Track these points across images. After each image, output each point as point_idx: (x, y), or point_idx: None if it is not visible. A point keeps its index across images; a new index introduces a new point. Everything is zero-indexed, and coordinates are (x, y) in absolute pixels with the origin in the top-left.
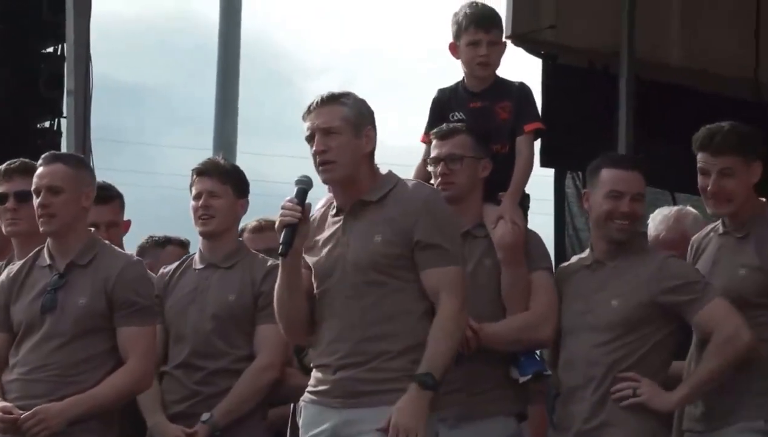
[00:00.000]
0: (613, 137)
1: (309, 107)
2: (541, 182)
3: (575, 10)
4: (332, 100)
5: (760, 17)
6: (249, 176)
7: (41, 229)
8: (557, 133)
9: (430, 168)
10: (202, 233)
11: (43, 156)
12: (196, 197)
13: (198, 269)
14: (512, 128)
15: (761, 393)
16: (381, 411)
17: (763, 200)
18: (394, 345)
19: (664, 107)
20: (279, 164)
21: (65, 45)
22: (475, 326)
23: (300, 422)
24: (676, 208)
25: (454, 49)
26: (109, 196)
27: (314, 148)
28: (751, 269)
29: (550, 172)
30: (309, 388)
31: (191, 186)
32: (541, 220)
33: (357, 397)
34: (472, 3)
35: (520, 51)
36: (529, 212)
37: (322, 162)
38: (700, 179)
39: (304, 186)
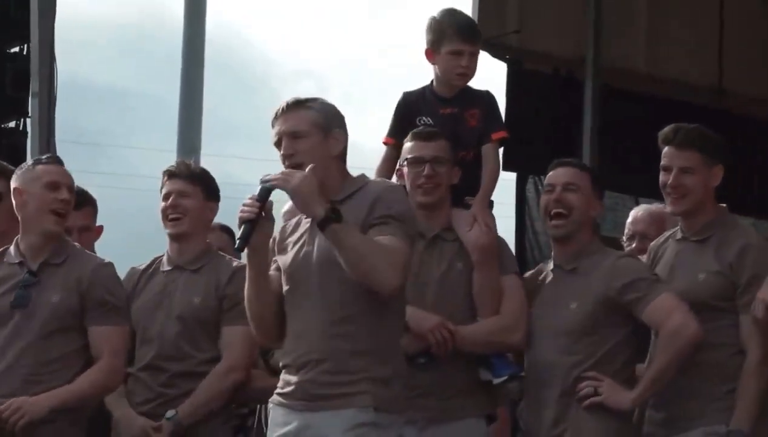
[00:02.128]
0: (577, 142)
1: (276, 113)
2: (502, 186)
3: (540, 15)
4: (298, 104)
5: (723, 25)
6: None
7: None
8: (520, 137)
9: (405, 168)
10: (171, 235)
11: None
12: (166, 198)
13: (165, 272)
14: (480, 135)
15: (722, 398)
16: (338, 415)
17: (723, 205)
18: (354, 344)
19: (628, 114)
20: (253, 168)
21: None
22: (451, 328)
23: (268, 424)
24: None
25: (431, 55)
26: (83, 201)
27: (282, 152)
28: (710, 273)
29: (512, 176)
30: (277, 389)
31: (161, 188)
32: (502, 223)
33: (316, 400)
34: (452, 11)
35: (485, 55)
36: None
37: (291, 166)
38: (662, 176)
39: (267, 185)
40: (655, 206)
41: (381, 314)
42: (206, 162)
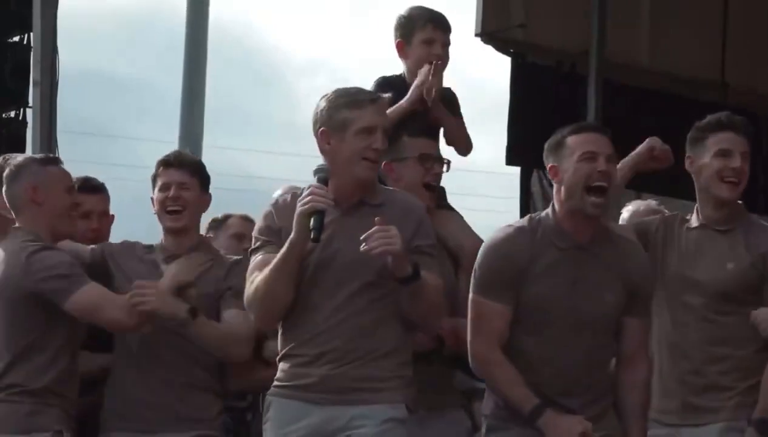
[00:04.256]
0: None
1: (370, 98)
2: (507, 181)
3: (545, 9)
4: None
5: (727, 19)
6: (218, 170)
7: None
8: (524, 131)
9: (403, 163)
10: (171, 229)
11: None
12: (164, 188)
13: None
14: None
15: (744, 393)
16: (372, 409)
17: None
18: (383, 345)
19: (631, 108)
20: (265, 160)
21: (32, 34)
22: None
23: (268, 417)
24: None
25: (402, 48)
26: (98, 185)
27: (376, 145)
28: (739, 264)
29: (516, 170)
30: (281, 382)
31: (155, 178)
32: (508, 218)
33: (347, 394)
34: (422, 6)
35: (489, 49)
36: (496, 211)
37: (374, 160)
38: (719, 161)
39: (325, 175)
40: (654, 202)
41: (402, 319)
42: (208, 153)
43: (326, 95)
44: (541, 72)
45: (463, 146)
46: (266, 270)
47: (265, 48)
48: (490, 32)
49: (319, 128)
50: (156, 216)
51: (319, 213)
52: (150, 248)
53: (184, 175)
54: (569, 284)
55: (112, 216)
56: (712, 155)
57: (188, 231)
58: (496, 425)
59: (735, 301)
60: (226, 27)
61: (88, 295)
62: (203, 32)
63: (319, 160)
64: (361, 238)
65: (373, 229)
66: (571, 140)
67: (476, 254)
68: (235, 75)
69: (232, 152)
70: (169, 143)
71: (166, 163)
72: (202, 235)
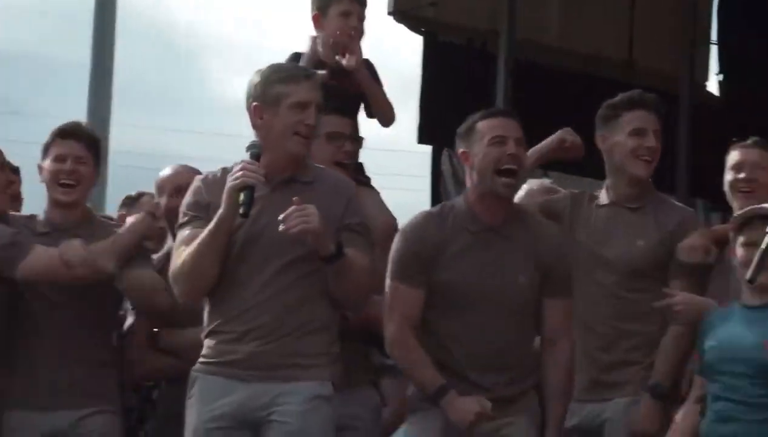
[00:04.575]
0: None
1: (306, 75)
2: (418, 159)
3: None
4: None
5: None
6: (127, 148)
7: None
8: (436, 110)
9: (328, 144)
10: (60, 202)
11: None
12: (59, 160)
13: (42, 233)
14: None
15: (649, 368)
16: (298, 387)
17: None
18: (312, 322)
19: (541, 87)
20: (168, 138)
21: None
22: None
23: (192, 393)
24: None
25: (318, 19)
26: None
27: (308, 120)
28: (649, 241)
29: (427, 149)
30: (207, 358)
31: (49, 146)
32: (418, 197)
33: (273, 371)
34: None
35: (402, 28)
36: (407, 190)
37: (307, 136)
38: (633, 139)
39: (257, 150)
40: (548, 181)
41: (330, 296)
42: (117, 131)
43: (260, 70)
44: (453, 51)
45: (389, 115)
46: (193, 245)
47: (176, 25)
48: (402, 11)
49: (252, 102)
50: (45, 185)
51: (250, 189)
52: (31, 218)
53: (82, 148)
54: (482, 266)
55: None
56: (627, 134)
57: (78, 205)
58: (419, 406)
59: (645, 278)
60: (135, 1)
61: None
62: (111, 6)
63: (222, 137)
64: (279, 218)
65: (291, 208)
66: (480, 125)
67: (386, 231)
68: (145, 52)
69: (142, 130)
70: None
71: (63, 133)
72: (88, 207)
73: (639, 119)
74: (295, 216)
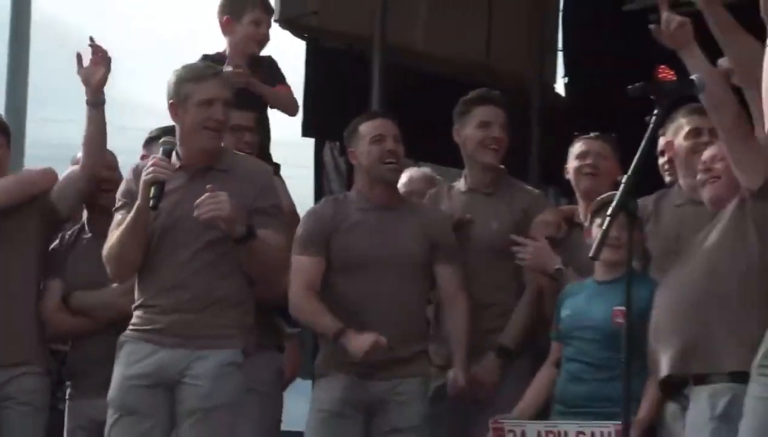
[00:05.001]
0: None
1: (213, 72)
2: (302, 151)
3: None
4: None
5: (492, 7)
6: (44, 142)
7: None
8: (319, 108)
9: (230, 135)
10: None
11: None
12: None
13: None
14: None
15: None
16: (213, 353)
17: (502, 166)
18: (229, 296)
19: (411, 89)
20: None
21: None
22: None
23: (119, 355)
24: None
25: (230, 23)
26: None
27: (217, 116)
28: (502, 224)
29: (311, 142)
30: (135, 326)
31: None
32: (302, 185)
33: (192, 339)
34: None
35: (287, 34)
36: (291, 178)
37: (217, 129)
38: (481, 131)
39: (169, 147)
40: (429, 169)
41: (246, 273)
42: (32, 126)
43: (176, 70)
44: (334, 55)
45: (289, 110)
46: (118, 231)
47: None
48: (287, 19)
49: (169, 100)
50: None
51: (160, 183)
52: None
53: (2, 136)
54: (373, 235)
55: None
56: (475, 126)
57: None
58: (324, 372)
59: (501, 256)
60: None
61: None
62: (27, 6)
63: (135, 131)
64: (195, 204)
65: (204, 196)
66: (362, 127)
67: (289, 214)
68: (56, 50)
69: (57, 124)
70: None
71: None
72: None
73: (486, 113)
74: (207, 203)
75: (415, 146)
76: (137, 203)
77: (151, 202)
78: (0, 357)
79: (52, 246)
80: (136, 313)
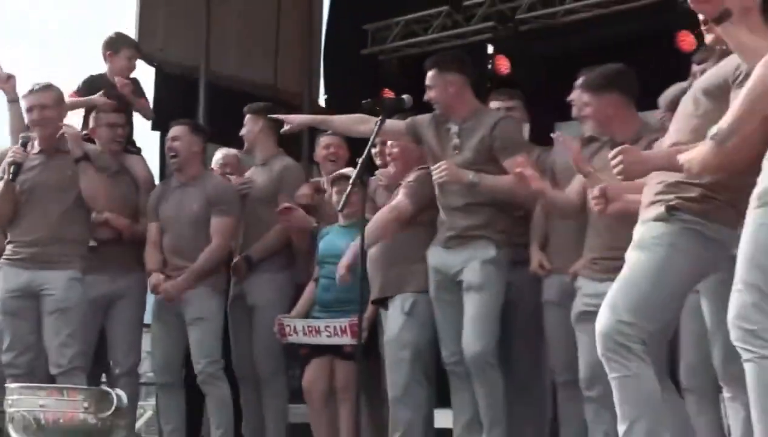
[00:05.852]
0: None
1: (34, 91)
2: (151, 141)
3: (175, 39)
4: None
5: (279, 35)
6: None
7: None
8: (163, 112)
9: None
10: None
11: None
12: None
13: None
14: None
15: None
16: (62, 273)
17: None
18: (71, 235)
19: (226, 106)
20: None
21: None
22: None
23: None
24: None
25: (111, 56)
26: None
27: (32, 117)
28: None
29: (157, 134)
30: (8, 256)
31: None
32: (151, 165)
33: (45, 264)
34: (122, 33)
35: (141, 62)
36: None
37: (40, 125)
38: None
39: (24, 140)
40: (234, 150)
41: (85, 217)
42: None
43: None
44: (172, 78)
45: (147, 116)
46: None
47: None
48: (143, 53)
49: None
50: None
51: (17, 164)
52: None
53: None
54: (174, 201)
55: None
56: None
57: None
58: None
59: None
60: None
61: None
62: None
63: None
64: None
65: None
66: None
67: (149, 181)
68: None
69: None
70: None
71: None
72: None
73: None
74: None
75: (229, 137)
76: (4, 176)
77: (11, 177)
78: None
79: None
80: (8, 247)
